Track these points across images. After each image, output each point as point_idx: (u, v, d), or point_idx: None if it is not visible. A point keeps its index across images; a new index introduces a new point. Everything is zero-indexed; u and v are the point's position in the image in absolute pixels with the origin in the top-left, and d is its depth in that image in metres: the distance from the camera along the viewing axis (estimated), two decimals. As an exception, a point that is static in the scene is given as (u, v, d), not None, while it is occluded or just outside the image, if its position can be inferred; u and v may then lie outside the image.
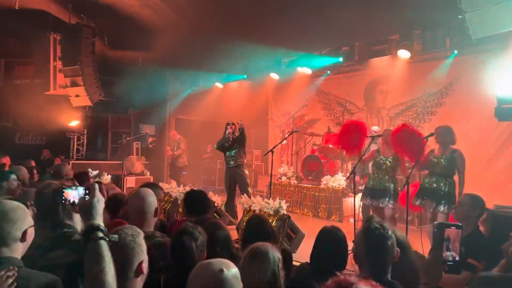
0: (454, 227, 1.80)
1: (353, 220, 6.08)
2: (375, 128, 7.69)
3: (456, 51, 7.45)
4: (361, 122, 6.07)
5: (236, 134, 7.32)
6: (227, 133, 7.36)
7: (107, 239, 1.62)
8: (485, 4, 3.67)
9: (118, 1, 8.25)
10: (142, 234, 1.94)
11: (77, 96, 9.35)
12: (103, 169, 8.24)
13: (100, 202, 1.73)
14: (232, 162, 7.39)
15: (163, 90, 12.20)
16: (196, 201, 3.78)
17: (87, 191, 1.75)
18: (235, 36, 8.62)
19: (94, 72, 9.33)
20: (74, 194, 1.94)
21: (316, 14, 6.95)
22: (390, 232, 1.99)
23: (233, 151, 7.38)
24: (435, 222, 2.03)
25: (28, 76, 11.49)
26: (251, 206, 5.87)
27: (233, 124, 7.42)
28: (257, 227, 3.06)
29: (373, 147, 6.84)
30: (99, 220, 1.68)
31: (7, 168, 6.63)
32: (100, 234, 1.60)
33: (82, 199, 1.76)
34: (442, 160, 5.10)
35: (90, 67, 9.16)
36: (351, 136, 5.78)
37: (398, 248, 1.99)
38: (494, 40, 6.66)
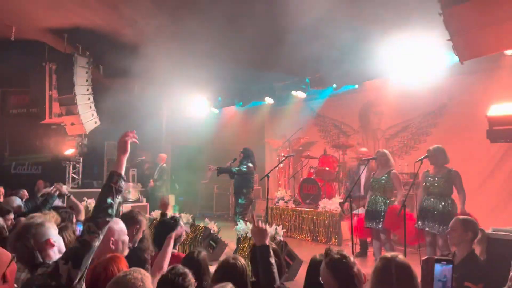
0: (445, 262, 1.70)
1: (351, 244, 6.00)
2: (363, 149, 7.69)
3: (446, 73, 7.53)
4: None
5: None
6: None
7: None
8: (471, 28, 3.73)
9: (112, 30, 8.39)
10: (150, 278, 1.87)
11: (73, 124, 9.36)
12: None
13: None
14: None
15: (158, 116, 12.23)
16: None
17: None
18: (230, 61, 8.72)
19: (89, 100, 9.36)
20: None
21: (307, 40, 7.04)
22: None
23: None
24: (422, 258, 1.95)
25: (24, 106, 11.51)
26: (247, 233, 5.80)
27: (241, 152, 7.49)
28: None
29: (362, 168, 6.89)
30: None
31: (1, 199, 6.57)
32: None
33: None
34: (438, 179, 5.10)
35: (85, 95, 9.20)
36: None
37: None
38: (485, 61, 6.75)
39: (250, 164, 7.26)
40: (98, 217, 2.03)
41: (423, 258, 1.94)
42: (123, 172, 2.21)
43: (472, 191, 5.71)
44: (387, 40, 6.72)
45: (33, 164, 11.72)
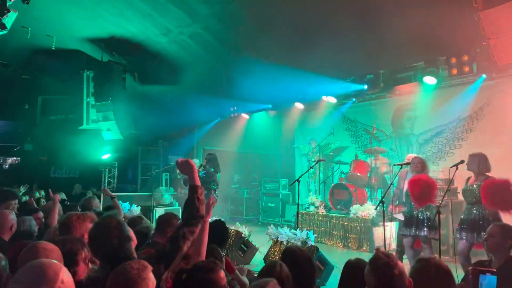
0: (490, 273, 1.70)
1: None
2: (412, 155, 7.53)
3: (484, 76, 7.30)
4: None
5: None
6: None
7: None
8: (508, 31, 3.64)
9: (147, 39, 8.65)
10: (149, 268, 1.88)
11: (109, 130, 9.68)
12: (133, 201, 8.36)
13: None
14: None
15: (190, 121, 12.45)
16: None
17: None
18: (260, 66, 8.79)
19: (125, 107, 9.67)
20: None
21: (341, 42, 7.02)
22: None
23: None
24: (469, 268, 1.92)
25: (63, 112, 12.00)
26: (278, 237, 5.82)
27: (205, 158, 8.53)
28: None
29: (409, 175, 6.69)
30: None
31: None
32: None
33: None
34: (475, 188, 4.97)
35: (121, 102, 9.51)
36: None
37: None
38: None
39: (211, 170, 8.17)
40: (193, 225, 2.19)
41: (469, 268, 1.92)
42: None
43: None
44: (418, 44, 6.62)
45: (71, 169, 12.18)
